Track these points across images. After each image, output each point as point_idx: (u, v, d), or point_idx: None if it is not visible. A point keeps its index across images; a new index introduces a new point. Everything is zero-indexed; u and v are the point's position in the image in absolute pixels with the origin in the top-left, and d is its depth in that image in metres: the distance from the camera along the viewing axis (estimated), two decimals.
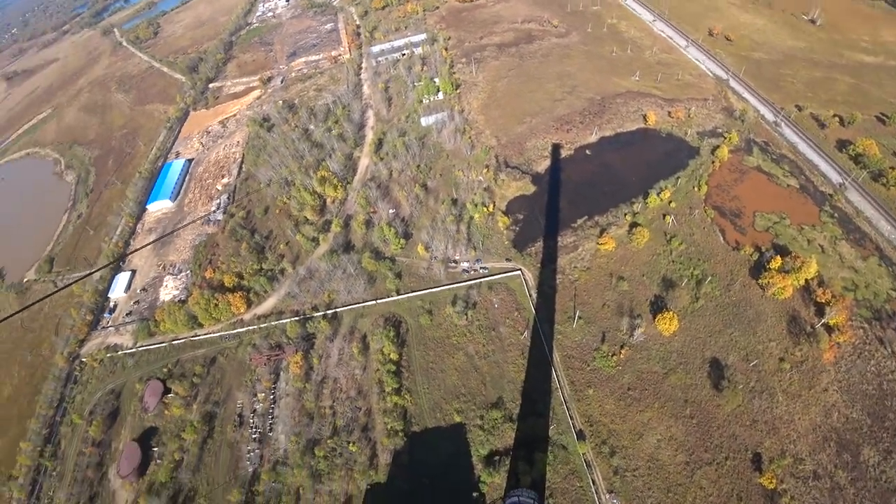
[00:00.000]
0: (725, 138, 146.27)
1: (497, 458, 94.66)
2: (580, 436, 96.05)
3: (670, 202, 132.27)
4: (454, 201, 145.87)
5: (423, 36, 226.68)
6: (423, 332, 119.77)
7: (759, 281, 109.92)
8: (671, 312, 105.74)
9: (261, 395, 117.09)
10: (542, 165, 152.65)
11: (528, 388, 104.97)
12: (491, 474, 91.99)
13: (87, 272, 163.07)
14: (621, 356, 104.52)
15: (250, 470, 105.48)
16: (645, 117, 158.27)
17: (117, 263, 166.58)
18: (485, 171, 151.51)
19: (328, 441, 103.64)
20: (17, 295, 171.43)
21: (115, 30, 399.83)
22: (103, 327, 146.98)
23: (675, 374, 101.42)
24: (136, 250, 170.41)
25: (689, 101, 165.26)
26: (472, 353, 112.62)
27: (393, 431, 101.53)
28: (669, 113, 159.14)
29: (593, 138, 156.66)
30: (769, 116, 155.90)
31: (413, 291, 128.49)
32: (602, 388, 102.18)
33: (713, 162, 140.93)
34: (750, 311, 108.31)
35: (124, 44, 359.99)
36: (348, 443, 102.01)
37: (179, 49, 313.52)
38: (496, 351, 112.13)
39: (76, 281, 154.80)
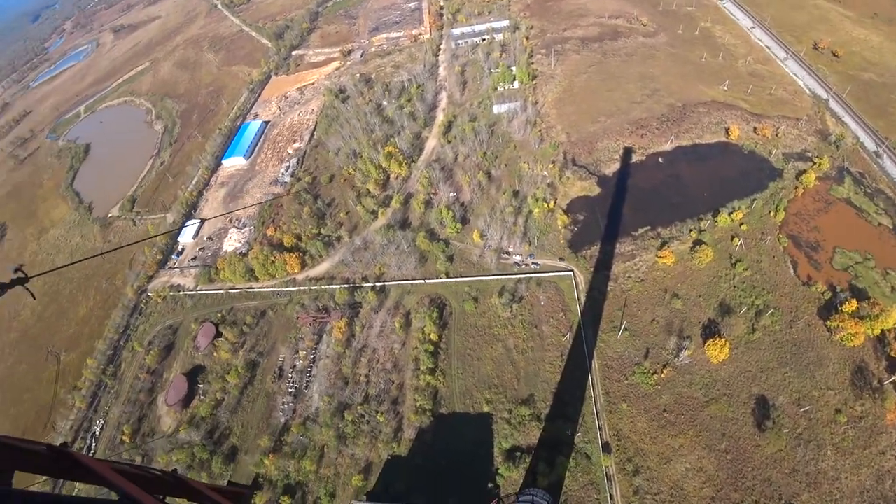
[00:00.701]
0: (814, 163, 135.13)
1: (518, 454, 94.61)
2: (606, 448, 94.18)
3: (741, 224, 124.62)
4: (515, 193, 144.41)
5: (505, 23, 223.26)
6: (466, 318, 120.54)
7: (828, 323, 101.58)
8: (723, 340, 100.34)
9: (302, 353, 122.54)
10: (611, 168, 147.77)
11: (562, 390, 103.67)
12: (510, 469, 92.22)
13: (168, 231, 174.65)
14: (662, 375, 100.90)
15: (282, 421, 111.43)
16: (727, 130, 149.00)
17: (189, 213, 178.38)
18: (551, 166, 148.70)
19: (358, 407, 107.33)
20: (101, 227, 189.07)
21: None
22: (170, 268, 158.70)
23: (716, 405, 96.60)
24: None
25: (780, 118, 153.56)
26: (511, 347, 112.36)
27: (421, 409, 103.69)
28: (755, 129, 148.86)
29: (668, 146, 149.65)
30: (870, 145, 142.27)
31: (462, 276, 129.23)
32: (637, 405, 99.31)
33: (796, 187, 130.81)
34: (811, 353, 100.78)
35: (219, 7, 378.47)
36: (377, 412, 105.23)
37: (269, 15, 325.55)
38: (535, 348, 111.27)
39: (149, 239, 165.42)
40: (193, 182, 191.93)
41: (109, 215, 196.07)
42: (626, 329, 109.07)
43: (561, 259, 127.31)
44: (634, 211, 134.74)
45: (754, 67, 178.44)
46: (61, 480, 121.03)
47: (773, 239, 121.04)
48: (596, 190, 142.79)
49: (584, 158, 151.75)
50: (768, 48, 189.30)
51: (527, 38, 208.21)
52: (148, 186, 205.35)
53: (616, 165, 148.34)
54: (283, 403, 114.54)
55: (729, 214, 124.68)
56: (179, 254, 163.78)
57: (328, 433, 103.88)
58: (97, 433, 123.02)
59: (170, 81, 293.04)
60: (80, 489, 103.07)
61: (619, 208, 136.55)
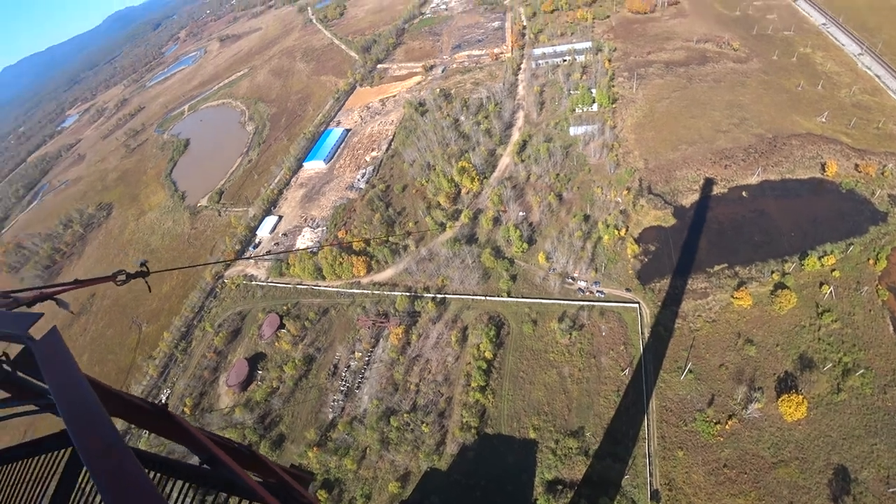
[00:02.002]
0: None
1: (560, 487, 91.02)
2: (654, 496, 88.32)
3: (833, 270, 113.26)
4: (586, 217, 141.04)
5: (588, 44, 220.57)
6: (523, 339, 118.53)
7: None
8: (801, 396, 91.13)
9: (358, 354, 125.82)
10: (689, 199, 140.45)
11: (614, 428, 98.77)
12: (549, 501, 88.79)
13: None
14: (727, 427, 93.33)
15: (330, 417, 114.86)
16: (823, 166, 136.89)
17: (268, 209, 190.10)
18: (625, 192, 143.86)
19: (405, 415, 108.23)
20: (190, 215, 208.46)
21: (309, 8, 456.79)
22: (245, 258, 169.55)
23: (785, 468, 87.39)
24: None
25: (888, 155, 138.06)
26: (566, 375, 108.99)
27: (467, 426, 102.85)
28: (857, 166, 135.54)
29: (754, 180, 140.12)
30: None
31: (523, 297, 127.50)
32: (694, 455, 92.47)
33: None
34: None
35: (314, 21, 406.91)
36: (423, 422, 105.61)
37: (358, 30, 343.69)
38: (591, 380, 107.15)
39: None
40: (276, 181, 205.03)
41: (199, 205, 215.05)
42: (690, 371, 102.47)
43: (627, 290, 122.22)
44: (711, 246, 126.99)
45: (859, 98, 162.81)
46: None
47: (871, 290, 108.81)
48: (671, 221, 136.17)
49: (661, 187, 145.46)
50: (878, 77, 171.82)
51: (609, 61, 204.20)
52: (235, 181, 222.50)
53: (695, 196, 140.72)
54: (334, 401, 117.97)
55: (819, 258, 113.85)
56: (256, 246, 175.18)
57: (372, 436, 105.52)
58: (164, 401, 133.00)
59: (264, 87, 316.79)
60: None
61: (694, 242, 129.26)
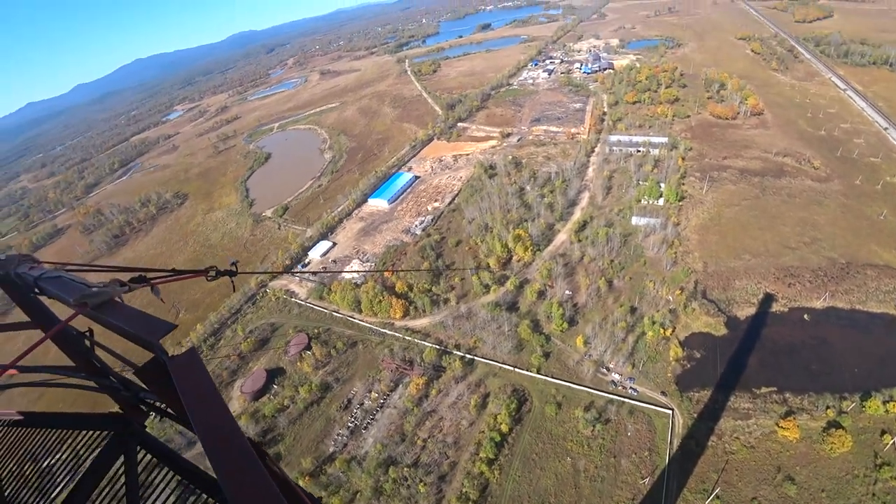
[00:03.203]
0: None
1: None
2: None
3: None
4: (633, 309, 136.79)
5: (664, 139, 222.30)
6: (544, 421, 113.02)
7: None
8: None
9: (374, 395, 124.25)
10: (745, 311, 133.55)
11: None
12: None
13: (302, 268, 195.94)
14: None
15: (331, 450, 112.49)
16: None
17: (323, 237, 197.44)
18: (678, 292, 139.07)
19: (405, 468, 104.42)
20: (253, 222, 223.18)
21: (406, 61, 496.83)
22: (292, 274, 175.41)
23: None
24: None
25: None
26: (581, 469, 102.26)
27: (465, 497, 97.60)
28: None
29: (819, 304, 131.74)
30: None
31: (553, 377, 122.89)
32: None
33: None
34: None
35: (408, 73, 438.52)
36: (421, 481, 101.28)
37: (447, 88, 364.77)
38: (607, 480, 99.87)
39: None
40: (339, 209, 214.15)
41: (263, 214, 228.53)
42: (717, 497, 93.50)
43: (663, 393, 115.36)
44: (762, 366, 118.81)
45: None
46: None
47: None
48: (722, 330, 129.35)
49: (717, 294, 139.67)
50: None
51: (683, 159, 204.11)
52: (301, 201, 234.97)
53: (751, 310, 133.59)
54: (338, 434, 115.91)
55: (884, 403, 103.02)
56: (305, 265, 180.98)
57: (367, 481, 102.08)
58: None
59: (350, 122, 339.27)
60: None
61: (744, 357, 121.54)
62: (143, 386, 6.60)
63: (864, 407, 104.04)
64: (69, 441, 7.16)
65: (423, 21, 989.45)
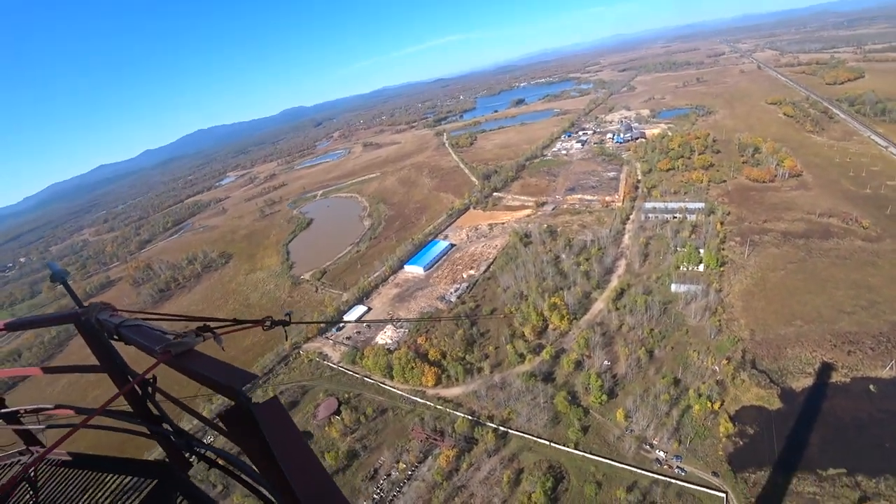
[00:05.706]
0: None
1: None
2: None
3: None
4: (676, 381, 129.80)
5: (700, 205, 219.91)
6: (583, 501, 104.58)
7: None
8: None
9: (402, 465, 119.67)
10: (800, 382, 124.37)
11: None
12: None
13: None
14: None
15: None
16: None
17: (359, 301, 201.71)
18: (724, 362, 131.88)
19: None
20: (291, 284, 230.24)
21: (444, 134, 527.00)
22: (326, 337, 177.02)
23: None
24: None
25: None
26: None
27: None
28: None
29: (886, 373, 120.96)
30: None
31: (592, 454, 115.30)
32: None
33: None
34: None
35: (446, 145, 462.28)
36: None
37: (483, 160, 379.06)
38: None
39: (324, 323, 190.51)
40: (375, 275, 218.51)
41: (302, 277, 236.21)
42: None
43: (714, 473, 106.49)
44: (826, 444, 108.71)
45: None
46: None
47: None
48: (776, 403, 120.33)
49: (767, 363, 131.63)
50: None
51: (721, 223, 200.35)
52: (340, 266, 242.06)
53: (808, 381, 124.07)
54: None
55: None
56: (339, 329, 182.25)
57: None
58: (211, 440, 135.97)
59: (389, 191, 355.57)
60: None
61: (804, 434, 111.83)
62: (192, 436, 7.11)
63: None
64: (110, 485, 7.30)
65: (461, 97, 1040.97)
